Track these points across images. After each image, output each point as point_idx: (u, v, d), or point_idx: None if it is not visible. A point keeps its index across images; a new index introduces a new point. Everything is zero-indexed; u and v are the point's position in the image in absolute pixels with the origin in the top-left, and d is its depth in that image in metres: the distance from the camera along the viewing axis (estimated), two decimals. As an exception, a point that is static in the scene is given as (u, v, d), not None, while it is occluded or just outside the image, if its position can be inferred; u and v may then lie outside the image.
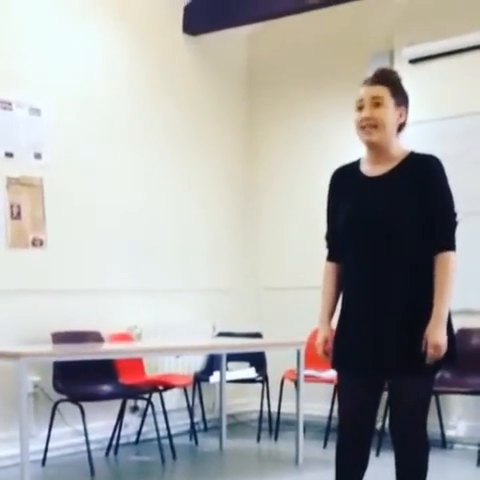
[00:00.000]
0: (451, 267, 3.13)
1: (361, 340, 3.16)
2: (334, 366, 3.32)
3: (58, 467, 5.35)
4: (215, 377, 6.24)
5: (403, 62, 6.26)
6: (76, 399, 5.18)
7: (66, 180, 5.79)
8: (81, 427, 5.16)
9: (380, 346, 3.11)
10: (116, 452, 5.72)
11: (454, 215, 3.20)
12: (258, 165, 7.27)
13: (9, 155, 5.50)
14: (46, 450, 5.32)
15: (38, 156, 5.64)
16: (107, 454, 5.69)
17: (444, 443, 5.88)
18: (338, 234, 3.29)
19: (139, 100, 6.35)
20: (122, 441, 5.84)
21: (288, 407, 5.90)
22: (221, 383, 6.12)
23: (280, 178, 7.12)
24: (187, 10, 6.73)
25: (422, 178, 3.15)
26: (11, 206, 5.49)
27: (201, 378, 6.40)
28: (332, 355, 3.29)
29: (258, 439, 6.22)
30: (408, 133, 6.48)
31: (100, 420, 5.64)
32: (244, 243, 7.17)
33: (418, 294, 3.11)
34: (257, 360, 6.37)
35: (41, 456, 5.29)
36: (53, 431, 5.32)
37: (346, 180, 3.31)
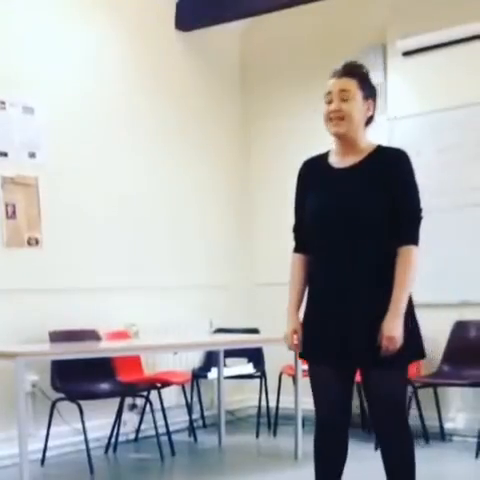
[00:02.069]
0: (413, 261, 3.14)
1: (329, 332, 3.18)
2: (303, 357, 3.35)
3: (57, 466, 5.35)
4: (213, 373, 6.24)
5: (396, 55, 6.26)
6: (74, 398, 5.18)
7: (61, 179, 5.78)
8: (80, 425, 5.15)
9: (347, 339, 3.14)
10: (115, 450, 5.72)
11: (419, 210, 3.22)
12: (253, 161, 7.26)
13: (3, 154, 5.48)
14: (45, 449, 5.32)
15: (32, 155, 5.63)
16: (106, 452, 5.69)
17: (443, 435, 5.88)
18: (306, 225, 3.31)
19: (132, 97, 6.34)
20: (121, 439, 5.84)
21: (286, 402, 5.91)
22: (219, 379, 6.12)
23: (275, 173, 7.11)
24: (179, 6, 6.72)
25: (390, 171, 3.17)
26: (6, 205, 5.47)
27: (199, 375, 6.39)
28: (301, 346, 3.31)
29: (257, 435, 6.22)
30: (403, 125, 6.48)
31: (99, 418, 5.63)
32: (240, 239, 7.17)
33: (384, 286, 3.13)
34: (255, 356, 6.37)
35: (40, 455, 5.29)
36: (52, 430, 5.31)
37: (314, 171, 3.35)
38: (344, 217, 3.14)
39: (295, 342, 3.32)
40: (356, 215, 3.12)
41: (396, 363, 3.12)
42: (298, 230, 3.40)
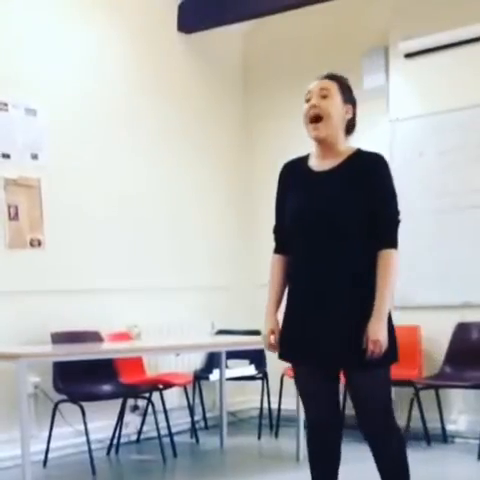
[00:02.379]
0: (393, 264, 3.17)
1: (308, 333, 3.20)
2: (284, 358, 3.37)
3: (59, 467, 5.35)
4: (215, 375, 6.24)
5: (398, 56, 6.27)
6: (76, 399, 5.18)
7: (63, 180, 5.78)
8: (82, 427, 5.16)
9: (326, 339, 3.15)
10: (117, 451, 5.73)
11: (397, 214, 3.24)
12: (254, 162, 7.26)
13: (6, 156, 5.49)
14: (47, 450, 5.31)
15: (35, 157, 5.64)
16: (108, 453, 5.69)
17: (445, 437, 5.87)
18: (286, 227, 3.35)
19: (134, 99, 6.35)
20: (123, 440, 5.85)
21: (288, 404, 5.90)
22: (221, 381, 6.12)
23: (277, 175, 7.08)
24: (181, 8, 6.72)
25: (367, 175, 3.20)
26: (9, 207, 5.48)
27: (201, 376, 6.40)
28: (280, 347, 3.33)
29: (259, 436, 6.22)
30: (405, 127, 6.47)
31: (101, 420, 5.64)
32: (242, 240, 7.17)
33: (363, 288, 3.15)
34: (257, 357, 6.36)
35: (42, 457, 5.29)
36: (54, 431, 5.32)
37: (294, 174, 3.41)
38: (322, 220, 3.17)
39: (272, 342, 3.34)
40: (334, 218, 3.15)
41: (378, 364, 3.14)
42: (278, 231, 3.47)
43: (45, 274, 5.64)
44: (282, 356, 3.35)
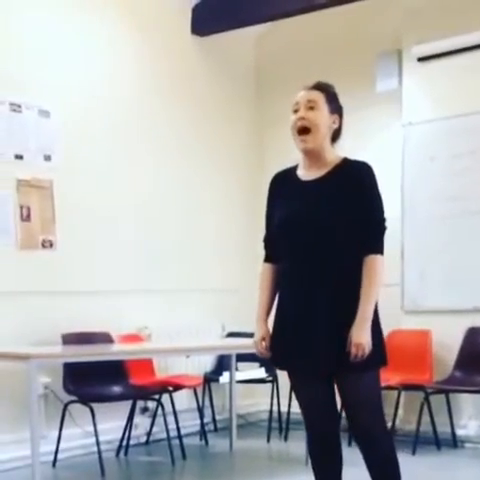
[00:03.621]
0: (378, 270, 3.20)
1: (296, 340, 3.24)
2: (276, 364, 3.46)
3: (69, 468, 5.36)
4: (225, 377, 6.24)
5: (412, 60, 6.26)
6: (86, 400, 5.19)
7: (75, 182, 5.80)
8: (91, 428, 5.17)
9: (313, 346, 3.19)
10: (126, 453, 5.73)
11: (383, 221, 3.27)
12: (267, 165, 7.23)
13: (19, 157, 5.51)
14: (57, 451, 5.33)
15: (48, 158, 5.65)
16: (117, 455, 5.70)
17: (455, 442, 5.85)
18: (274, 234, 3.38)
19: (148, 101, 6.36)
20: (132, 442, 5.85)
21: (298, 407, 5.88)
22: (231, 383, 6.11)
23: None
24: (195, 11, 6.73)
25: (354, 183, 3.24)
26: (21, 208, 5.50)
27: (211, 378, 6.40)
28: (272, 353, 3.40)
29: (268, 439, 6.22)
30: (418, 131, 6.46)
31: (110, 421, 5.64)
32: (252, 243, 7.16)
33: (348, 295, 3.18)
34: (266, 360, 6.35)
35: (52, 457, 5.30)
36: (63, 432, 5.33)
37: (283, 184, 3.43)
38: (309, 227, 3.20)
39: (263, 348, 3.42)
40: (321, 225, 3.19)
41: (365, 367, 3.16)
42: (268, 241, 3.47)
43: (56, 275, 5.65)
44: (275, 364, 3.44)
